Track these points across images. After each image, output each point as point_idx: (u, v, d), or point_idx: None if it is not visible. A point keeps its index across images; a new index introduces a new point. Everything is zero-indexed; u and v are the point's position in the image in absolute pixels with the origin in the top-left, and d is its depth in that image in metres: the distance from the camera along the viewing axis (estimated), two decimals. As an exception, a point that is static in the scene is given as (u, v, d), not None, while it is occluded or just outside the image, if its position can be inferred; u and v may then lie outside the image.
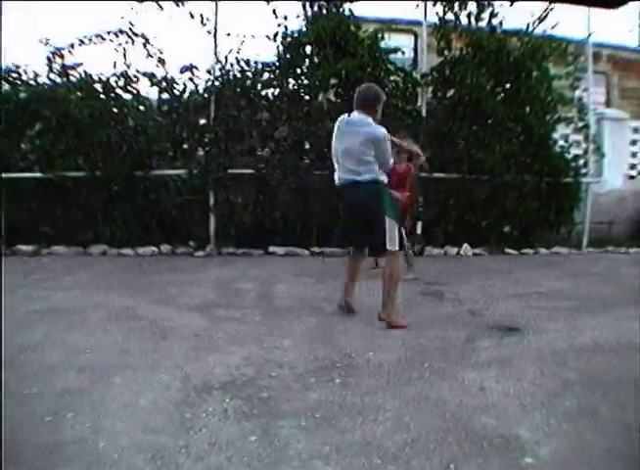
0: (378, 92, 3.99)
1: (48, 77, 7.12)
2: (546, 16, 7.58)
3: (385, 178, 3.92)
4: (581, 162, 8.21)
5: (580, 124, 8.17)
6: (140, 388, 2.61)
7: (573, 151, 8.38)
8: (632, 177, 9.80)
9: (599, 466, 1.99)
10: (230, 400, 2.48)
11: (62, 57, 7.07)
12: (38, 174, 6.98)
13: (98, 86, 7.16)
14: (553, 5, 7.52)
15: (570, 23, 8.22)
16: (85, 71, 7.11)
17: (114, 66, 7.11)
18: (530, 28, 7.65)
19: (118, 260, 6.52)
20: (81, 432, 2.14)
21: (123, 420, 2.27)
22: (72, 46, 7.04)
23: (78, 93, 7.05)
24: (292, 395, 2.58)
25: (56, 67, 7.08)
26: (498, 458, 2.02)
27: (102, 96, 7.14)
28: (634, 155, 9.81)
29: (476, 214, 7.64)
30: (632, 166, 9.81)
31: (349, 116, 3.90)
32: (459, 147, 7.54)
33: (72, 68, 7.12)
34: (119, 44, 7.11)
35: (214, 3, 7.21)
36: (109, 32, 7.09)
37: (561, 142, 8.30)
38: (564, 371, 2.96)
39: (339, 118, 3.98)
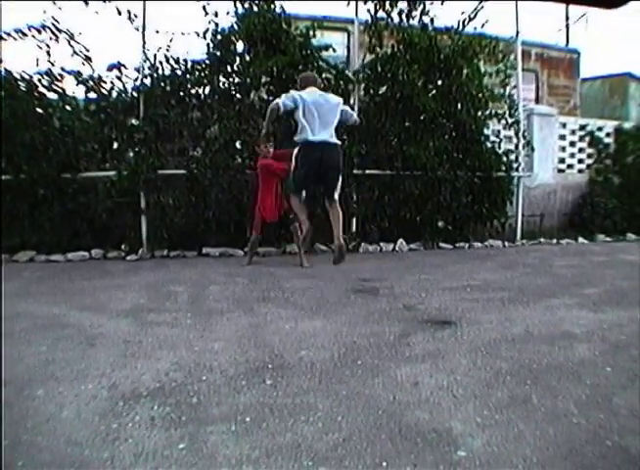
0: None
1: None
2: (476, 14, 7.75)
3: None
4: (512, 156, 8.43)
5: (511, 120, 8.36)
6: (64, 399, 2.51)
7: (505, 146, 8.62)
8: (561, 171, 10.15)
9: (531, 454, 2.03)
10: (158, 408, 2.42)
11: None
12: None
13: (20, 85, 6.85)
14: (483, 4, 7.75)
15: (500, 21, 8.46)
16: (6, 69, 6.78)
17: (37, 63, 6.81)
18: (461, 27, 7.78)
19: (47, 267, 6.28)
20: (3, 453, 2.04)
21: (45, 435, 2.17)
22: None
23: (1, 92, 6.73)
24: (222, 399, 2.53)
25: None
26: (431, 453, 2.03)
27: (25, 95, 6.82)
28: (563, 149, 10.18)
29: (410, 210, 7.75)
30: (561, 161, 10.18)
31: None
32: (392, 143, 7.61)
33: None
34: (42, 41, 6.83)
35: (143, -1, 7.02)
36: (30, 28, 6.81)
37: (492, 137, 8.52)
38: (496, 362, 3.01)
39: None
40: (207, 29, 7.11)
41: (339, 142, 5.09)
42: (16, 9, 6.54)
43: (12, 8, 6.49)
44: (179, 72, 7.06)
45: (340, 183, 5.13)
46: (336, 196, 5.07)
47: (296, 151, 5.04)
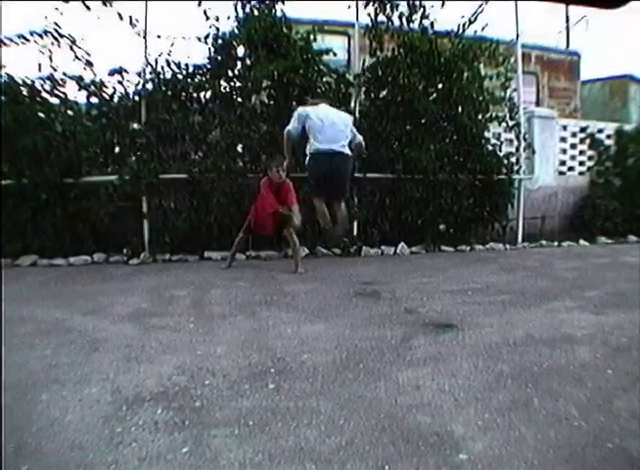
0: None
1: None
2: (476, 18, 7.78)
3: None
4: (513, 159, 8.46)
5: (511, 123, 8.39)
6: (68, 404, 2.52)
7: (505, 149, 8.65)
8: (562, 173, 10.16)
9: (532, 457, 2.03)
10: (161, 412, 2.42)
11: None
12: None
13: (22, 90, 6.87)
14: (483, 7, 7.77)
15: (500, 24, 8.48)
16: (8, 74, 6.80)
17: (40, 68, 6.83)
18: (461, 30, 7.80)
19: (49, 271, 6.28)
20: (4, 455, 2.04)
21: (49, 439, 2.18)
22: (-7, 47, 6.72)
23: (1, 97, 6.75)
24: (225, 403, 2.53)
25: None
26: (433, 456, 2.03)
27: (27, 100, 6.85)
28: (564, 151, 10.19)
29: (411, 213, 7.76)
30: (562, 163, 10.18)
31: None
32: (393, 147, 7.63)
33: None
34: (44, 46, 6.85)
35: (144, 4, 7.04)
36: (32, 33, 6.84)
37: (493, 140, 8.54)
38: (497, 365, 3.01)
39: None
40: (209, 34, 7.14)
41: (349, 152, 5.26)
42: (18, 14, 6.58)
43: (14, 13, 6.52)
44: (180, 77, 7.09)
45: (347, 190, 5.48)
46: (342, 203, 5.52)
47: (307, 160, 5.43)
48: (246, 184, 7.00)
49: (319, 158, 5.33)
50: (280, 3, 7.27)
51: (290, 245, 6.20)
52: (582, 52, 15.24)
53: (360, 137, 5.78)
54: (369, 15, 7.58)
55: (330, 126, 5.34)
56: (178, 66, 7.06)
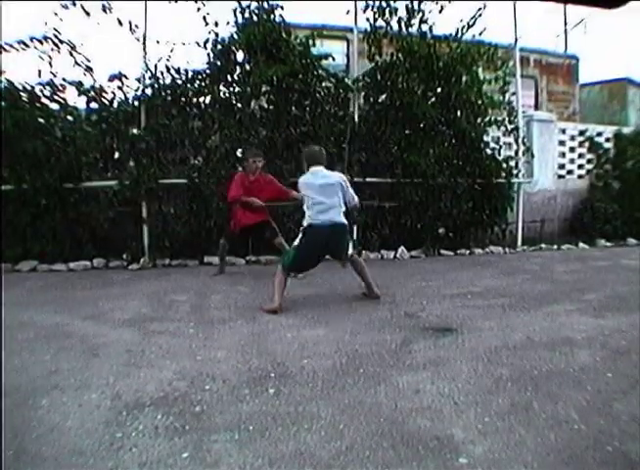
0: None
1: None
2: (475, 22, 7.79)
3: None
4: (512, 163, 8.46)
5: (510, 127, 8.41)
6: (68, 409, 2.54)
7: (505, 152, 8.67)
8: (561, 177, 10.18)
9: (532, 460, 2.04)
10: (162, 417, 2.44)
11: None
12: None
13: (22, 95, 6.89)
14: (481, 11, 7.79)
15: (498, 28, 8.51)
16: (8, 80, 6.81)
17: (40, 74, 6.85)
18: (460, 34, 7.82)
19: (49, 277, 6.29)
20: (4, 461, 2.05)
21: (49, 444, 2.19)
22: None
23: (1, 102, 6.76)
24: (225, 407, 2.55)
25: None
26: (433, 460, 2.05)
27: (27, 106, 6.86)
28: (563, 155, 10.21)
29: (411, 217, 7.77)
30: (561, 166, 10.20)
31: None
32: (392, 151, 7.65)
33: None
34: (44, 52, 6.87)
35: (143, 10, 7.07)
36: (32, 39, 6.86)
37: (492, 144, 8.57)
38: (497, 368, 3.04)
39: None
40: (208, 39, 7.16)
41: (345, 222, 4.84)
42: (17, 17, 6.59)
43: (14, 19, 6.54)
44: (180, 82, 7.12)
45: (349, 247, 4.96)
46: (348, 255, 4.97)
47: (300, 234, 4.82)
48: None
49: (314, 232, 4.75)
50: (279, 8, 7.29)
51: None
52: (581, 55, 15.30)
53: (356, 200, 5.13)
54: (368, 19, 7.61)
55: (329, 196, 4.79)
56: (178, 71, 7.09)
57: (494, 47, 8.04)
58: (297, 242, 4.82)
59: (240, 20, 7.28)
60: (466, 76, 7.88)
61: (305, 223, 4.79)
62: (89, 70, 7.02)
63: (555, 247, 8.82)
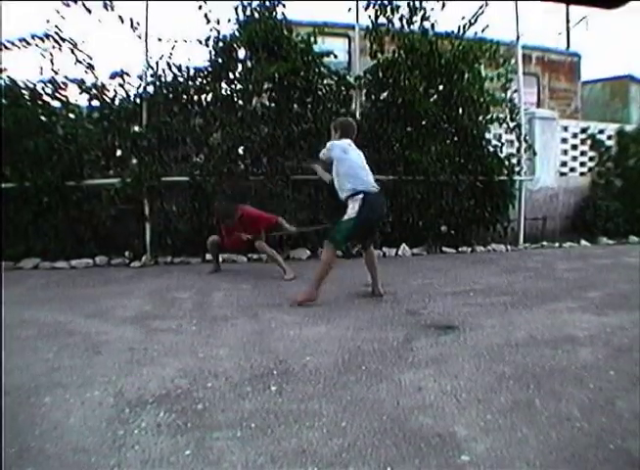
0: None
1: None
2: (477, 19, 7.78)
3: None
4: (514, 160, 8.47)
5: (512, 124, 8.41)
6: (71, 407, 2.53)
7: (507, 150, 8.66)
8: (563, 174, 10.16)
9: (534, 458, 2.03)
10: (164, 414, 2.44)
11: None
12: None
13: (24, 93, 6.88)
14: (483, 9, 7.78)
15: (500, 26, 8.49)
16: (9, 77, 6.82)
17: (41, 72, 6.86)
18: (462, 31, 7.81)
19: (51, 274, 6.29)
20: (6, 459, 2.05)
21: (52, 442, 2.19)
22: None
23: (3, 100, 6.75)
24: (227, 405, 2.54)
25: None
26: (435, 458, 2.04)
27: (28, 103, 6.86)
28: (565, 152, 10.19)
29: (412, 215, 7.77)
30: (563, 164, 10.19)
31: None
32: (394, 148, 7.64)
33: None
34: (46, 49, 6.87)
35: (145, 7, 7.06)
36: (34, 36, 6.86)
37: (494, 142, 8.55)
38: (499, 366, 3.03)
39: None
40: (209, 37, 7.17)
41: None
42: (19, 18, 6.60)
43: (15, 17, 6.54)
44: (181, 80, 7.12)
45: None
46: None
47: (359, 201, 4.47)
48: (247, 186, 7.03)
49: (374, 199, 4.56)
50: (280, 6, 7.29)
51: (267, 257, 6.20)
52: (583, 52, 15.30)
53: None
54: (369, 17, 7.62)
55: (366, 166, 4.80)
56: (179, 68, 7.09)
57: (496, 44, 8.03)
58: (356, 209, 4.46)
59: (241, 17, 7.28)
60: (468, 74, 7.87)
61: (352, 189, 4.52)
62: (91, 67, 7.03)
63: (557, 244, 8.82)
